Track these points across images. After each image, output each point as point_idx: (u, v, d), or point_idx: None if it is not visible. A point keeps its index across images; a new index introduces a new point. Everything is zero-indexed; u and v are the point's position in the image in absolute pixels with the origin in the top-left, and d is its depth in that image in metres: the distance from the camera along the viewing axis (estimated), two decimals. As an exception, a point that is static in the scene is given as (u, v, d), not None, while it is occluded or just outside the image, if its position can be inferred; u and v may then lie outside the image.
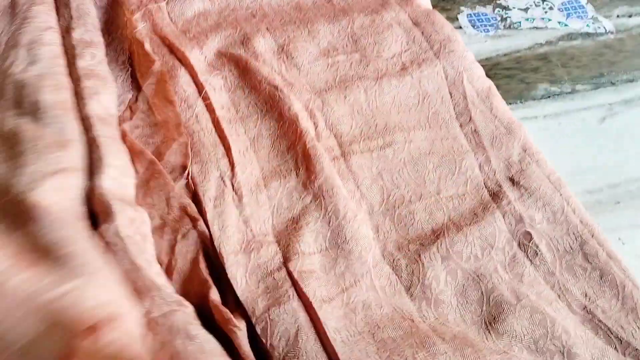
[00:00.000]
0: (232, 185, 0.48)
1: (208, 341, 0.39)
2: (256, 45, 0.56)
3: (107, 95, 0.51)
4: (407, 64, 0.56)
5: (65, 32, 0.54)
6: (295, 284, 0.43)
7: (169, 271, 0.44)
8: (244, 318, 0.42)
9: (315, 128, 0.51)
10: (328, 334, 0.41)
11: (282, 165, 0.50)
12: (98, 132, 0.47)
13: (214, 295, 0.42)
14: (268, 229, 0.46)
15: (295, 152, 0.50)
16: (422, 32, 0.58)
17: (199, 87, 0.53)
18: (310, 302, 0.42)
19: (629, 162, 0.54)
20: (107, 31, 0.58)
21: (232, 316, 0.41)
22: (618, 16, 0.66)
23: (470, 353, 0.40)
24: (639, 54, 0.64)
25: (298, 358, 0.40)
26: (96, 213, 0.44)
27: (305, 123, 0.51)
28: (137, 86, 0.53)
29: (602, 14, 0.66)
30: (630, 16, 0.67)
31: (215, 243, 0.45)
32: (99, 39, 0.55)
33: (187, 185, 0.48)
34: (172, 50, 0.55)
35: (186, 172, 0.48)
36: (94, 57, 0.52)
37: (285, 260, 0.45)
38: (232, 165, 0.49)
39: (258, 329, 0.41)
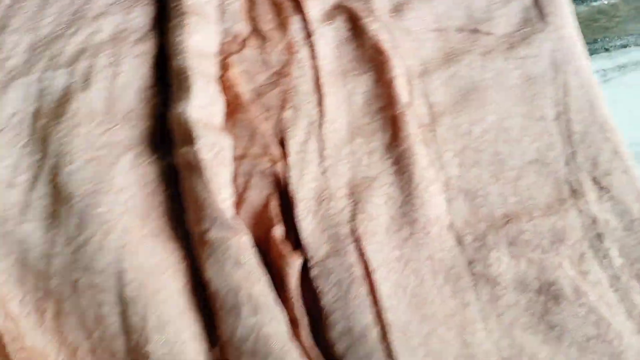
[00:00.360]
0: (319, 135, 0.51)
1: (255, 270, 0.42)
2: (374, 1, 0.57)
3: (208, 33, 0.53)
4: (517, 43, 0.55)
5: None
6: (357, 241, 0.46)
7: (239, 201, 0.47)
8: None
9: (411, 94, 0.52)
10: (378, 295, 0.43)
11: (370, 124, 0.51)
12: (192, 64, 0.50)
13: (278, 231, 0.45)
14: (343, 183, 0.49)
15: (385, 115, 0.51)
16: (539, 14, 0.56)
17: (309, 34, 0.55)
18: (368, 261, 0.44)
19: (623, 128, 0.52)
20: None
21: (287, 251, 0.44)
22: None
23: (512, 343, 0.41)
24: (632, 19, 0.61)
25: (345, 309, 0.43)
26: (177, 134, 0.47)
27: (401, 88, 0.52)
28: (252, 21, 0.56)
29: None
30: None
31: (291, 186, 0.48)
32: None
33: (277, 126, 0.51)
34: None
35: (278, 115, 0.51)
36: None
37: (353, 217, 0.47)
38: (322, 115, 0.51)
39: (313, 273, 0.44)
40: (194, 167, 0.45)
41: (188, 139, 0.45)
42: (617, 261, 0.45)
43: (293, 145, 0.50)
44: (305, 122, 0.51)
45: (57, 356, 0.41)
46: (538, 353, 0.42)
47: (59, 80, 0.52)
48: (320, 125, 0.51)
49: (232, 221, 0.44)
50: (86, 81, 0.51)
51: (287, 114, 0.51)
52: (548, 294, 0.44)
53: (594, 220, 0.47)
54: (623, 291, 0.44)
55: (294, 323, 0.42)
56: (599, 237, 0.46)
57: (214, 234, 0.42)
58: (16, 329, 0.42)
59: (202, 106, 0.47)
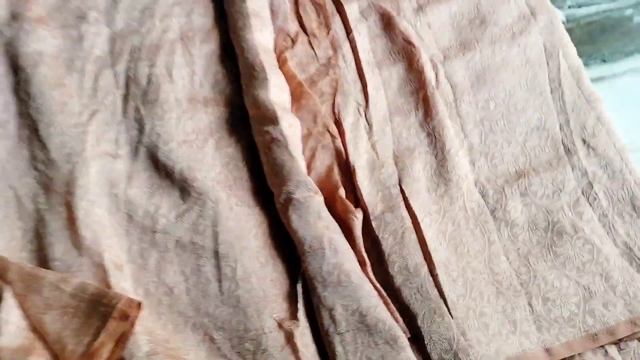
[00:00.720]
0: (365, 115, 0.62)
1: (332, 222, 0.54)
2: (400, 2, 0.68)
3: (267, 32, 0.63)
4: (517, 33, 0.67)
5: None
6: (405, 199, 0.57)
7: (308, 169, 0.58)
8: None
9: (436, 77, 0.63)
10: (426, 238, 0.55)
11: (405, 104, 0.63)
12: (263, 58, 0.60)
13: (342, 192, 0.57)
14: (389, 153, 0.60)
15: (417, 96, 0.63)
16: (531, 12, 0.68)
17: (348, 31, 0.66)
18: (415, 214, 0.56)
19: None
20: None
21: (353, 208, 0.56)
22: (569, 7, 0.73)
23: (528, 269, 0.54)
24: (586, 42, 0.72)
25: (401, 251, 0.54)
26: (259, 117, 0.57)
27: (429, 73, 0.63)
28: (299, 20, 0.66)
29: (556, 5, 0.73)
30: (579, 6, 0.74)
31: (350, 158, 0.59)
32: None
33: (332, 109, 0.62)
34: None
35: (332, 100, 0.62)
36: (260, 1, 0.64)
37: (400, 179, 0.58)
38: (366, 99, 0.63)
39: (374, 224, 0.56)
40: (281, 142, 0.56)
41: (273, 119, 0.56)
42: (604, 203, 0.58)
43: (347, 126, 0.61)
44: (354, 105, 0.62)
45: (156, 293, 0.52)
46: (547, 275, 0.54)
47: (142, 71, 0.61)
48: (366, 108, 0.62)
49: (311, 184, 0.55)
50: (170, 75, 0.61)
51: (339, 99, 0.62)
52: (553, 231, 0.57)
53: (585, 172, 0.59)
54: (609, 225, 0.57)
55: (360, 262, 0.53)
56: (590, 185, 0.59)
57: (299, 194, 0.53)
58: (121, 273, 0.52)
59: (277, 93, 0.58)
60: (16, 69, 0.61)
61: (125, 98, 0.60)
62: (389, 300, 0.51)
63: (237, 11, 0.62)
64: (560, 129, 0.62)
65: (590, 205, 0.58)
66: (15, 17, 0.64)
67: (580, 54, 0.67)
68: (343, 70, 0.63)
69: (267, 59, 0.60)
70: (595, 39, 0.71)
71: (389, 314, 0.49)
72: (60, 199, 0.53)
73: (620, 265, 0.55)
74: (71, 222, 0.52)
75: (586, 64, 0.68)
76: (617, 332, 0.52)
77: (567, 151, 0.61)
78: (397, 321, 0.49)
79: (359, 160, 0.58)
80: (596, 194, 0.58)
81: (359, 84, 0.63)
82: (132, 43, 0.63)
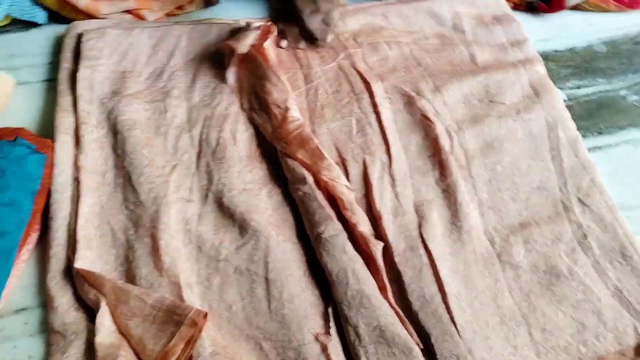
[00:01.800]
0: (389, 172, 0.75)
1: (355, 255, 0.64)
2: (419, 84, 0.83)
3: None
4: (521, 110, 0.80)
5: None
6: (423, 241, 0.68)
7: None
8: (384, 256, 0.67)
9: (451, 144, 0.77)
10: (440, 274, 0.65)
11: (424, 165, 0.75)
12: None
13: (361, 228, 0.67)
14: (410, 203, 0.72)
15: (434, 159, 0.75)
16: (535, 93, 0.82)
17: (375, 104, 0.80)
18: (432, 254, 0.67)
19: None
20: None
21: (374, 240, 0.66)
22: (570, 88, 0.87)
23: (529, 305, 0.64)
24: (584, 117, 0.82)
25: (419, 283, 0.64)
26: (291, 178, 0.71)
27: (443, 142, 0.76)
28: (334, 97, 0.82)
29: (558, 85, 0.84)
30: (579, 88, 0.86)
31: (377, 206, 0.71)
32: None
33: (362, 166, 0.75)
34: (363, 80, 0.83)
35: (363, 159, 0.75)
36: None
37: (419, 225, 0.70)
38: (390, 159, 0.76)
39: (396, 260, 0.66)
40: (310, 195, 0.69)
41: (302, 180, 0.70)
42: (597, 251, 0.68)
43: (373, 180, 0.74)
44: (379, 164, 0.75)
45: (218, 308, 0.63)
46: (546, 310, 0.63)
47: (212, 135, 0.77)
48: (389, 166, 0.75)
49: (337, 225, 0.67)
50: (234, 138, 0.76)
51: (367, 158, 0.75)
52: (552, 274, 0.66)
53: (580, 226, 0.70)
54: (601, 271, 0.66)
55: (381, 287, 0.64)
56: (584, 236, 0.69)
57: (327, 234, 0.66)
58: (191, 292, 0.64)
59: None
60: (115, 132, 0.77)
61: (199, 155, 0.75)
62: (404, 319, 0.61)
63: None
64: (559, 190, 0.73)
65: (585, 253, 0.68)
66: (115, 92, 0.82)
67: (579, 127, 0.79)
68: (371, 135, 0.77)
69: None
70: (592, 114, 0.83)
71: (404, 329, 0.60)
72: (146, 232, 0.67)
73: (611, 304, 0.64)
74: (155, 250, 0.65)
75: (584, 136, 0.80)
76: (607, 360, 0.60)
77: (565, 208, 0.72)
78: (411, 335, 0.59)
79: (384, 208, 0.71)
80: (590, 244, 0.68)
81: (383, 146, 0.76)
82: (205, 113, 0.79)
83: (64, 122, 0.77)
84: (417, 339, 0.60)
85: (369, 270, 0.64)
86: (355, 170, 0.74)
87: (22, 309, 0.64)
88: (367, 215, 0.70)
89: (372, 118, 0.80)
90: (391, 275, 0.66)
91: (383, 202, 0.71)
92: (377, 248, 0.66)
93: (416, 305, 0.63)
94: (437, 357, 0.58)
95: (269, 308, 0.63)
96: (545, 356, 0.60)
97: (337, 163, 0.75)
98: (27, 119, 0.80)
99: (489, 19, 0.94)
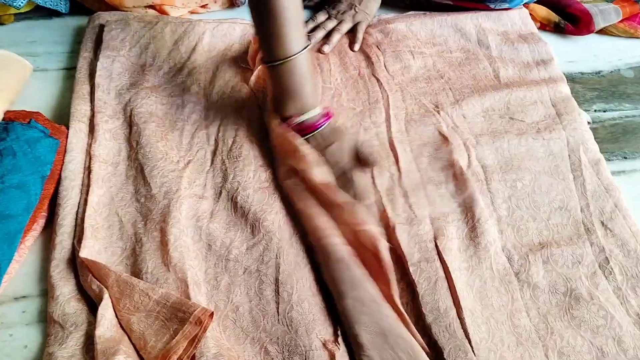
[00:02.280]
0: (399, 184, 0.73)
1: (354, 262, 0.62)
2: (439, 97, 0.82)
3: None
4: (542, 129, 0.78)
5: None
6: (439, 254, 0.66)
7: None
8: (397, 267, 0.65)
9: (469, 158, 0.75)
10: (456, 287, 0.63)
11: (436, 177, 0.73)
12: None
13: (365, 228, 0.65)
14: (425, 214, 0.70)
15: (448, 172, 0.73)
16: (557, 113, 0.80)
17: (387, 115, 0.79)
18: (448, 267, 0.65)
19: None
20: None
21: (378, 236, 0.63)
22: (595, 110, 0.86)
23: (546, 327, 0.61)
24: (609, 141, 0.81)
25: (434, 295, 0.62)
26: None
27: (459, 154, 0.74)
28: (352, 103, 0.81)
29: (583, 108, 0.83)
30: (604, 111, 0.85)
31: (389, 216, 0.69)
32: None
33: (370, 177, 0.73)
34: (382, 89, 0.82)
35: (370, 171, 0.73)
36: None
37: (435, 237, 0.68)
38: (399, 170, 0.74)
39: (410, 269, 0.64)
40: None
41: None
42: (619, 277, 0.65)
43: (382, 192, 0.71)
44: (387, 175, 0.73)
45: (225, 309, 0.61)
46: (564, 333, 0.61)
47: (229, 133, 0.75)
48: (398, 178, 0.73)
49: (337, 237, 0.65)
50: (252, 137, 0.74)
51: (375, 170, 0.74)
52: (571, 296, 0.64)
53: (602, 249, 0.67)
54: (623, 297, 0.64)
55: (385, 284, 0.61)
56: (606, 260, 0.66)
57: (330, 246, 0.64)
58: (198, 290, 0.62)
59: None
60: (130, 123, 0.76)
61: (214, 153, 0.74)
62: (408, 321, 0.59)
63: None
64: (581, 211, 0.71)
65: (606, 278, 0.65)
66: (133, 84, 0.80)
67: (603, 151, 0.78)
68: (377, 147, 0.76)
69: None
70: (618, 139, 0.82)
71: (408, 332, 0.58)
72: (156, 225, 0.65)
73: (632, 332, 0.61)
74: (163, 244, 0.64)
75: (609, 159, 0.78)
76: (627, 390, 0.57)
77: (587, 230, 0.69)
78: (414, 335, 0.57)
79: (398, 218, 0.68)
80: (612, 269, 0.66)
81: (392, 158, 0.75)
82: (223, 111, 0.78)
83: (80, 109, 0.76)
84: (422, 342, 0.57)
85: (375, 271, 0.62)
86: (362, 181, 0.72)
87: (22, 297, 0.62)
88: (378, 226, 0.68)
89: (382, 129, 0.79)
90: (404, 284, 0.64)
91: (396, 212, 0.69)
92: (383, 245, 0.63)
93: (429, 317, 0.61)
94: (450, 374, 0.56)
95: (277, 310, 0.61)
96: (562, 380, 0.58)
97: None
98: (43, 105, 0.79)
99: (515, 36, 0.93)
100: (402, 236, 0.67)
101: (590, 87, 0.88)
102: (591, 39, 0.96)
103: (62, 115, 0.77)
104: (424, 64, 0.87)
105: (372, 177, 0.73)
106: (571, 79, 0.88)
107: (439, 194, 0.72)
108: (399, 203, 0.71)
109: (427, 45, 0.91)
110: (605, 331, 0.61)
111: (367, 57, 0.88)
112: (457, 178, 0.73)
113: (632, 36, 0.97)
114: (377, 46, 0.89)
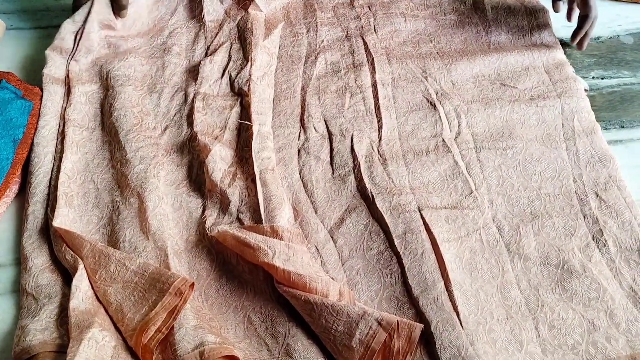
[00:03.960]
0: (378, 151, 0.70)
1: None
2: (427, 62, 0.79)
3: None
4: (535, 96, 0.75)
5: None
6: (425, 225, 0.64)
7: None
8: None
9: (459, 126, 0.72)
10: (444, 259, 0.61)
11: (419, 145, 0.71)
12: None
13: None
14: (405, 183, 0.67)
15: (430, 141, 0.71)
16: (551, 79, 0.77)
17: (374, 80, 0.77)
18: (435, 238, 0.62)
19: None
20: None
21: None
22: (593, 77, 0.83)
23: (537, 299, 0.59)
24: (606, 109, 0.79)
25: (421, 267, 0.60)
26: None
27: (446, 122, 0.72)
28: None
29: (581, 74, 0.81)
30: (602, 78, 0.82)
31: (367, 185, 0.66)
32: None
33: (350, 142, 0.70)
34: (367, 52, 0.80)
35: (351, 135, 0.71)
36: None
37: (420, 208, 0.65)
38: (380, 137, 0.71)
39: (395, 242, 0.62)
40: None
41: None
42: (613, 249, 0.63)
43: (361, 158, 0.69)
44: (367, 141, 0.71)
45: (207, 278, 0.59)
46: (555, 306, 0.59)
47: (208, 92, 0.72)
48: (378, 145, 0.71)
49: None
50: None
51: (355, 134, 0.71)
52: (564, 269, 0.62)
53: (596, 221, 0.65)
54: (616, 269, 0.62)
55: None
56: (600, 232, 0.64)
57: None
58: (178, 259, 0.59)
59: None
60: (107, 87, 0.72)
61: (191, 113, 0.70)
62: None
63: None
64: (573, 181, 0.69)
65: (599, 250, 0.64)
66: (109, 45, 0.76)
67: (600, 119, 0.75)
68: (359, 108, 0.74)
69: None
70: (615, 107, 0.79)
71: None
72: (133, 192, 0.62)
73: (624, 305, 0.60)
74: (142, 211, 0.61)
75: (605, 128, 0.76)
76: (618, 364, 0.56)
77: (580, 200, 0.67)
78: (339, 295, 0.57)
79: (376, 188, 0.66)
80: (605, 241, 0.64)
81: (375, 124, 0.72)
82: (204, 71, 0.74)
83: (55, 71, 0.72)
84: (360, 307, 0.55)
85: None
86: (341, 146, 0.70)
87: (-6, 266, 0.60)
88: (356, 196, 0.66)
89: (368, 93, 0.76)
90: (388, 255, 0.62)
91: (373, 182, 0.67)
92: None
93: (417, 290, 0.59)
94: (436, 347, 0.54)
95: (260, 278, 0.59)
96: (551, 354, 0.56)
97: (323, 137, 0.72)
98: (15, 65, 0.75)
99: (513, 0, 0.89)
100: (383, 208, 0.65)
101: (588, 53, 0.85)
102: (591, 4, 0.92)
103: (37, 77, 0.73)
104: (415, 27, 0.84)
105: (352, 142, 0.70)
106: (569, 44, 0.85)
107: (421, 162, 0.69)
108: (377, 171, 0.68)
109: (421, 7, 0.87)
110: (597, 304, 0.60)
111: (357, 17, 0.84)
112: (439, 149, 0.70)
113: (632, 1, 0.93)
114: (369, 7, 0.85)
